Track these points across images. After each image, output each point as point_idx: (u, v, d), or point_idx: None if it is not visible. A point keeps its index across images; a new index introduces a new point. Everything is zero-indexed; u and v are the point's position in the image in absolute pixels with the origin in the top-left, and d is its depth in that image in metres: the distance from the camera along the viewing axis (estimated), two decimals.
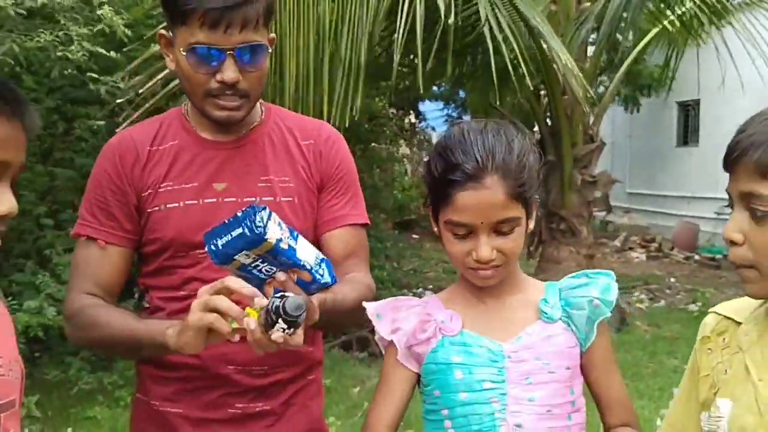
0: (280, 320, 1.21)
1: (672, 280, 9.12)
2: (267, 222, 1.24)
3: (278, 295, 1.23)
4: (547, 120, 7.27)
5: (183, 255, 1.54)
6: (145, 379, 1.62)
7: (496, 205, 1.24)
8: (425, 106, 13.38)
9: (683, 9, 6.83)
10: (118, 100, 4.16)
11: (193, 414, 1.56)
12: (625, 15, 6.57)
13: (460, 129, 1.31)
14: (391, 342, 1.35)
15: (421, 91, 6.02)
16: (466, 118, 13.80)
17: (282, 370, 1.58)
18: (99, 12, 3.81)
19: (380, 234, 8.85)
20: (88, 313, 1.52)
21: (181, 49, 1.47)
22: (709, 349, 1.25)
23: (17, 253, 4.86)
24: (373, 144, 9.77)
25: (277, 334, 1.22)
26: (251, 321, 1.24)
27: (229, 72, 1.46)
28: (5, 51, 3.64)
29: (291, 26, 4.12)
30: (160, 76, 4.08)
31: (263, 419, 1.58)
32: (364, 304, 1.39)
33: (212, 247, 1.28)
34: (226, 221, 1.27)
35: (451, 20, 4.40)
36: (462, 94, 12.19)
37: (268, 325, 1.21)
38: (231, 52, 1.45)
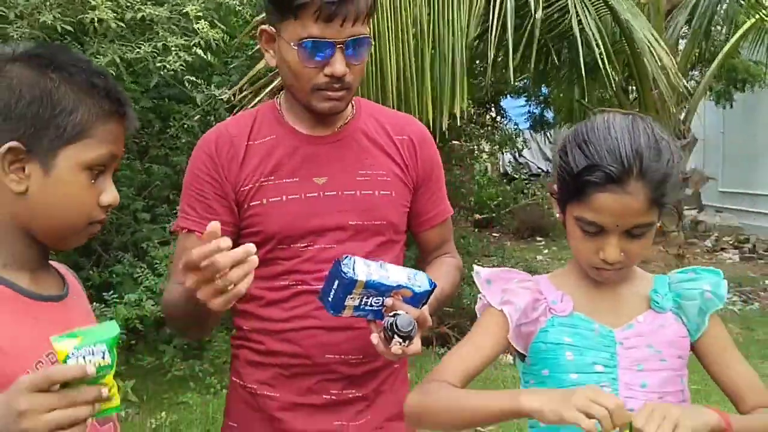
0: (395, 336, 1.41)
1: (767, 282, 8.73)
2: (354, 266, 1.42)
3: (391, 314, 1.42)
4: None
5: (284, 248, 1.58)
6: (243, 364, 1.68)
7: (635, 211, 1.23)
8: (507, 103, 13.22)
9: None
10: (221, 95, 4.29)
11: (290, 398, 1.62)
12: (719, 7, 6.37)
13: (606, 121, 1.27)
14: (493, 309, 1.35)
15: (511, 83, 6.02)
16: (549, 115, 13.58)
17: (375, 359, 1.62)
18: (196, 26, 3.94)
19: (461, 231, 8.81)
20: (164, 300, 1.62)
21: (291, 43, 1.49)
22: None
23: (116, 246, 5.11)
24: (453, 142, 9.74)
25: (396, 347, 1.40)
26: (374, 336, 1.44)
27: (339, 65, 1.48)
28: (108, 61, 3.82)
29: (389, 28, 4.17)
30: (256, 85, 4.20)
31: (355, 405, 1.64)
32: (475, 268, 1.44)
33: (326, 304, 1.46)
34: (326, 281, 1.45)
35: (539, 15, 4.37)
36: (545, 90, 11.98)
37: (387, 340, 1.42)
38: (341, 45, 1.47)
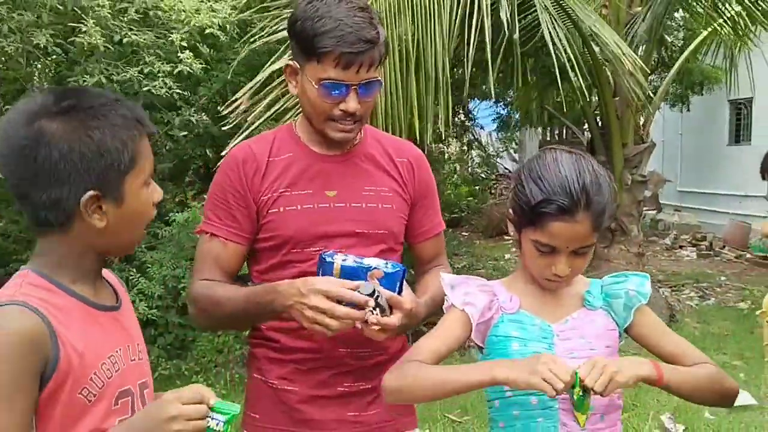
0: (366, 306, 1.62)
1: (722, 278, 9.16)
2: (333, 255, 1.69)
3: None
4: (598, 121, 7.43)
5: (299, 251, 1.79)
6: (262, 361, 1.87)
7: (582, 236, 1.49)
8: (474, 105, 13.53)
9: (731, 12, 6.91)
10: (224, 127, 4.49)
11: (307, 392, 1.81)
12: (678, 14, 6.69)
13: (555, 159, 1.52)
14: (458, 309, 1.60)
15: (492, 94, 6.36)
16: (516, 116, 13.94)
17: (381, 353, 1.83)
18: (180, 55, 4.12)
19: None
20: (206, 295, 1.79)
21: (313, 82, 1.73)
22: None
23: None
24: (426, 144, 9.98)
25: (371, 317, 1.63)
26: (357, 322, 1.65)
27: (353, 103, 1.73)
28: (95, 82, 3.99)
29: None
30: (263, 104, 4.44)
31: (365, 396, 1.84)
32: (441, 275, 1.67)
33: None
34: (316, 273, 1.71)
35: (516, 36, 4.66)
36: (511, 93, 12.30)
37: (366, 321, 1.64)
38: (355, 86, 1.72)
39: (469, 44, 4.66)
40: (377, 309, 1.63)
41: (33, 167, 1.23)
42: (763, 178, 1.39)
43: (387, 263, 1.72)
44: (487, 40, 4.60)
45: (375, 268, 1.69)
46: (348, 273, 1.67)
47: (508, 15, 4.79)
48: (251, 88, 4.42)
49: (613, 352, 1.60)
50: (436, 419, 4.59)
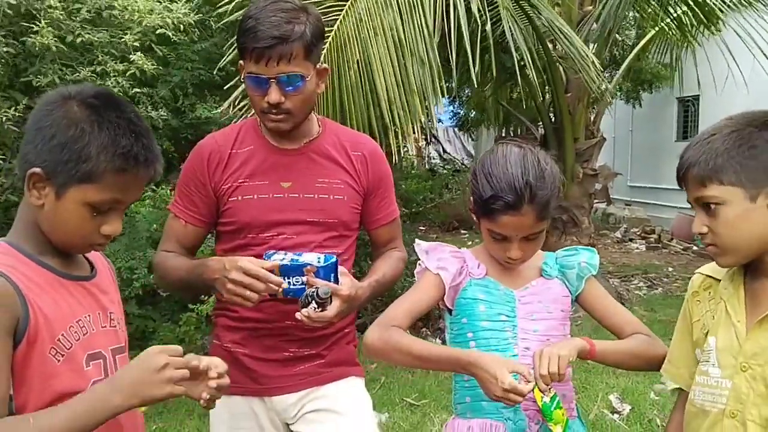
0: (313, 302, 1.80)
1: (670, 269, 9.50)
2: (272, 256, 1.86)
3: (313, 288, 1.82)
4: (551, 117, 7.65)
5: (255, 236, 1.97)
6: (221, 328, 2.08)
7: (528, 225, 1.65)
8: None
9: (678, 12, 7.19)
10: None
11: (256, 354, 2.02)
12: (628, 13, 6.92)
13: (504, 155, 1.67)
14: (432, 273, 1.76)
15: (476, 86, 6.50)
16: (472, 115, 14.16)
17: (327, 327, 1.96)
18: (132, 56, 4.13)
19: None
20: (162, 263, 2.03)
21: (242, 76, 1.92)
22: (698, 300, 1.62)
23: None
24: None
25: (306, 310, 1.80)
26: (298, 314, 1.82)
27: (272, 95, 1.87)
28: (49, 82, 3.99)
29: (371, 37, 4.61)
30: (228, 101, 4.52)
31: (309, 360, 2.03)
32: (417, 242, 1.83)
33: None
34: None
35: (488, 27, 4.84)
36: (468, 92, 12.50)
37: (304, 306, 1.81)
38: (273, 79, 1.86)
39: (450, 38, 4.81)
40: (314, 302, 1.79)
41: (35, 125, 1.34)
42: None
43: (320, 257, 1.87)
44: (465, 33, 4.76)
45: (309, 264, 1.84)
46: (286, 270, 1.83)
47: (480, 7, 4.95)
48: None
49: (566, 317, 1.78)
50: (395, 403, 4.73)
